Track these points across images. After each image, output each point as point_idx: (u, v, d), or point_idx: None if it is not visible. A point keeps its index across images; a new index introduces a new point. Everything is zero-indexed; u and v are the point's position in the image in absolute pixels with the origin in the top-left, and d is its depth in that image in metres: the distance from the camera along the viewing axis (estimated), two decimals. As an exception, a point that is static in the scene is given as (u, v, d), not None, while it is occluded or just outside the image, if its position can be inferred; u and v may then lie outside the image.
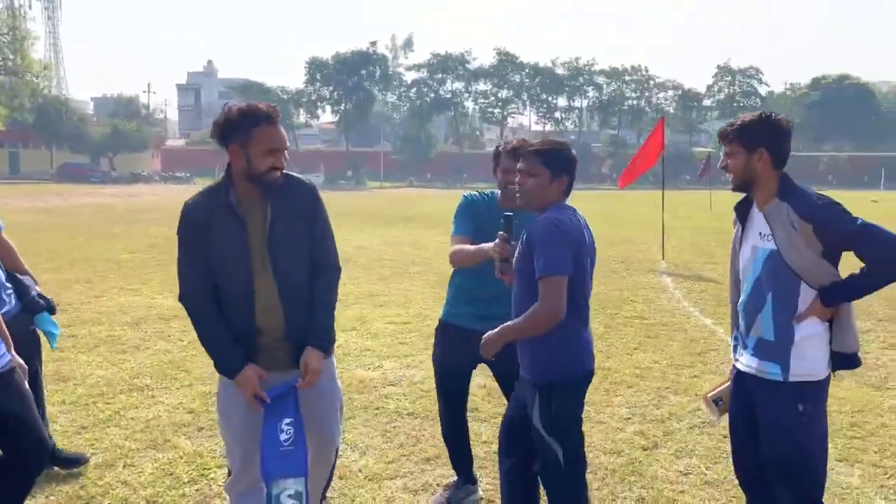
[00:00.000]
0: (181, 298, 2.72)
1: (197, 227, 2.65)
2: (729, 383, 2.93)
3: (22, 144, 64.28)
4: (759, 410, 2.67)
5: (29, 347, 3.50)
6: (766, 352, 2.63)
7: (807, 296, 2.56)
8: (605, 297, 9.32)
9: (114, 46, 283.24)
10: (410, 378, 5.61)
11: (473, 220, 3.34)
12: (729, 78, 78.14)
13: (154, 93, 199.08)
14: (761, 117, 2.64)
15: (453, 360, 3.51)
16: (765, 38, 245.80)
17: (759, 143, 2.59)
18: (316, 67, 75.10)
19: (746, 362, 2.72)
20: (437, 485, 3.79)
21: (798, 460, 2.58)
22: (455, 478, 3.69)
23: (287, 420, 2.62)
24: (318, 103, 77.35)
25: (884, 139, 73.76)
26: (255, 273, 2.63)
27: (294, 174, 2.75)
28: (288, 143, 2.69)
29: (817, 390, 2.60)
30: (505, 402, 3.46)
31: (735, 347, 2.85)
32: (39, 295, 3.72)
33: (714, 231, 19.04)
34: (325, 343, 2.75)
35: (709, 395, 3.02)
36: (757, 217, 2.67)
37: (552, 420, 2.68)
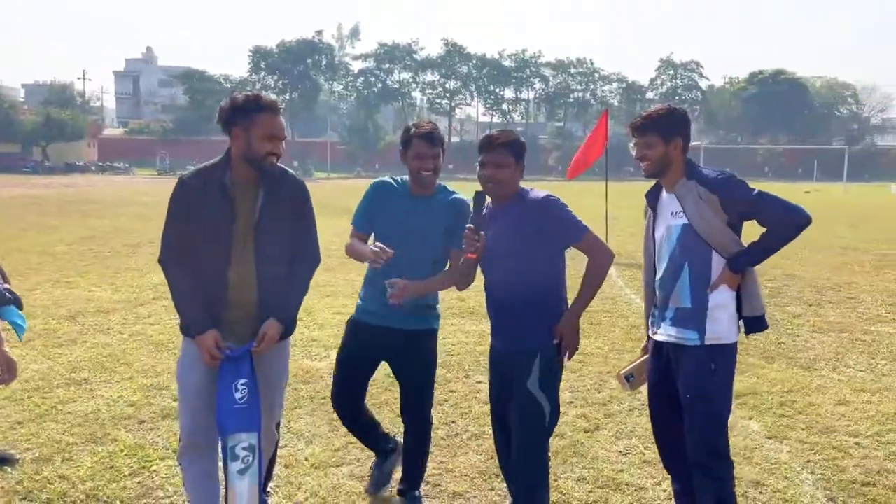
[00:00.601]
0: (160, 261, 2.86)
1: (188, 199, 2.79)
2: (641, 360, 3.16)
3: (-53, 133, 61.25)
4: (679, 373, 2.90)
5: None
6: (684, 320, 2.88)
7: (718, 266, 2.84)
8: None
9: (46, 31, 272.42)
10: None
11: (380, 209, 3.26)
12: (671, 71, 80.00)
13: (90, 80, 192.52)
14: (674, 111, 2.93)
15: (364, 356, 3.42)
16: (705, 33, 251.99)
17: (676, 133, 2.87)
18: (260, 56, 73.91)
19: (665, 332, 2.95)
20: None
21: (706, 409, 2.83)
22: (374, 458, 3.68)
23: (242, 381, 2.81)
24: (263, 92, 76.06)
25: (816, 133, 76.64)
26: (235, 252, 2.78)
27: (289, 169, 2.92)
28: (287, 135, 2.87)
29: (728, 352, 2.88)
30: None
31: (652, 323, 3.06)
32: (7, 289, 3.61)
33: (656, 221, 19.53)
34: (289, 319, 2.91)
35: (621, 371, 3.24)
36: (667, 199, 2.93)
37: (549, 380, 2.94)
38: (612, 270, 11.04)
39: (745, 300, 2.87)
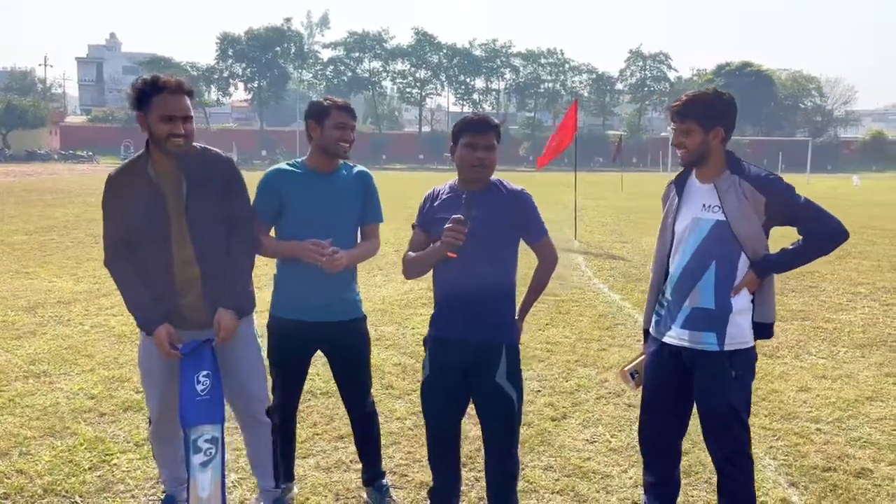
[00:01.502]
0: (106, 264, 2.88)
1: (118, 197, 2.80)
2: (644, 357, 3.02)
3: None
4: (697, 379, 2.78)
5: None
6: (703, 321, 2.73)
7: (743, 268, 2.71)
8: (519, 276, 9.48)
9: (7, 16, 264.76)
10: (323, 358, 5.55)
11: (285, 196, 3.13)
12: (640, 63, 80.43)
13: (51, 66, 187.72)
14: (718, 96, 2.71)
15: (292, 355, 3.29)
16: (673, 25, 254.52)
17: (717, 122, 2.69)
18: (228, 43, 72.59)
19: (677, 334, 2.80)
20: (350, 461, 3.79)
21: (729, 420, 2.74)
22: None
23: (203, 372, 2.79)
24: (231, 80, 74.88)
25: (782, 125, 77.95)
26: (173, 240, 2.78)
27: (211, 148, 2.90)
28: (189, 113, 2.75)
29: (748, 356, 2.77)
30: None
31: (657, 323, 2.91)
32: None
33: (625, 211, 19.70)
34: (237, 303, 2.89)
35: (625, 368, 3.12)
36: (699, 189, 2.77)
37: (516, 369, 2.89)
38: (580, 260, 11.12)
39: (758, 305, 2.76)
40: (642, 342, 3.12)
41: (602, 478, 3.70)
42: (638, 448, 3.18)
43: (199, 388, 2.77)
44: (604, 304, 7.85)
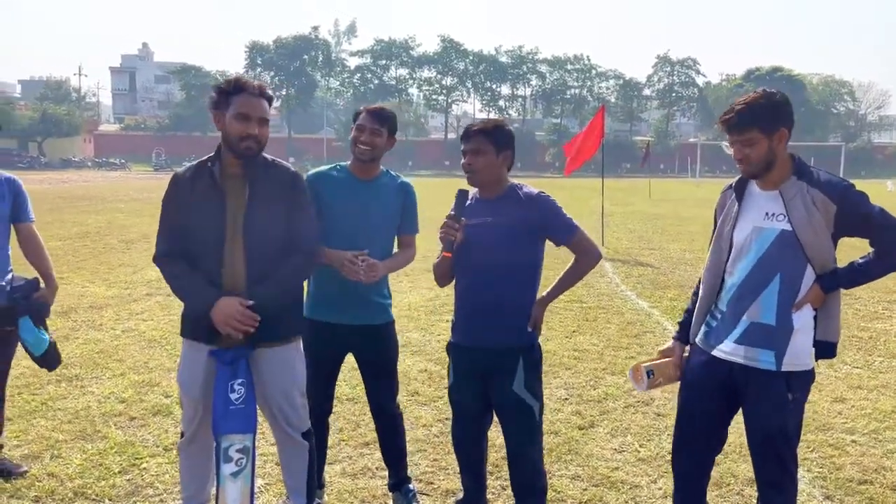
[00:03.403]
0: (155, 259, 2.83)
1: (179, 195, 2.78)
2: (667, 360, 2.86)
3: (-57, 128, 60.90)
4: (748, 400, 2.59)
5: None
6: (761, 338, 2.54)
7: (808, 282, 2.51)
8: (546, 282, 9.42)
9: (43, 27, 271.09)
10: (353, 363, 5.56)
11: (323, 200, 3.11)
12: (668, 68, 79.78)
13: (85, 75, 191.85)
14: (772, 96, 2.47)
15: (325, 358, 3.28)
16: (702, 30, 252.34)
17: (780, 123, 2.45)
18: (257, 52, 73.60)
19: (730, 350, 2.60)
20: (376, 468, 3.78)
21: (780, 445, 2.57)
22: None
23: (239, 380, 2.74)
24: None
25: (813, 130, 76.69)
26: (226, 247, 2.72)
27: (281, 160, 2.87)
28: (266, 116, 2.76)
29: (806, 380, 2.57)
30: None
31: (707, 334, 2.71)
32: (35, 298, 3.56)
33: (653, 217, 19.52)
34: (262, 302, 2.70)
35: (643, 364, 2.92)
36: (762, 197, 2.56)
37: (534, 377, 2.86)
38: (608, 266, 11.02)
39: (821, 322, 2.53)
40: (666, 347, 2.91)
41: (630, 488, 3.64)
42: (667, 458, 3.13)
43: (234, 396, 2.73)
44: (632, 311, 7.77)
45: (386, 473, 3.53)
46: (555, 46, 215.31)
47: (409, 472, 3.52)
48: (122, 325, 6.81)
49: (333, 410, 4.57)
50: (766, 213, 2.53)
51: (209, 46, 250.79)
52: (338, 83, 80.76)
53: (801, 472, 3.81)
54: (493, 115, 79.12)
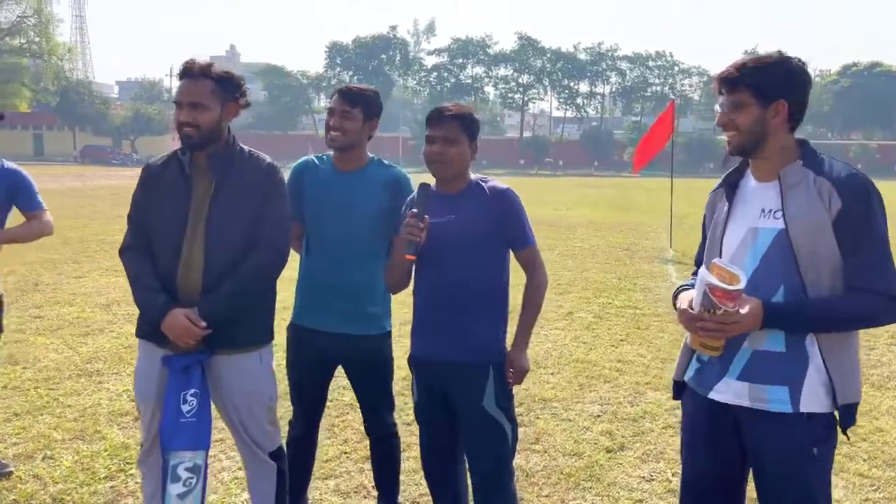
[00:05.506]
0: (120, 252, 2.66)
1: (147, 186, 2.63)
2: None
3: (46, 127, 64.82)
4: (757, 455, 2.02)
5: None
6: (768, 370, 1.97)
7: (822, 293, 1.93)
8: (602, 284, 8.95)
9: (139, 30, 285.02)
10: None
11: (305, 192, 2.87)
12: (756, 64, 76.41)
13: (176, 76, 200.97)
14: (782, 60, 1.97)
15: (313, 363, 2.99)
16: (792, 24, 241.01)
17: (778, 94, 1.95)
18: (336, 52, 74.90)
19: (729, 390, 2.02)
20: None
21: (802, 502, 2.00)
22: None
23: (191, 391, 2.49)
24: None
25: (916, 128, 71.89)
26: (186, 235, 2.52)
27: (258, 153, 2.63)
28: (196, 99, 2.47)
29: (831, 423, 1.97)
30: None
31: (700, 372, 2.12)
32: None
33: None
34: (210, 311, 2.46)
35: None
36: (757, 190, 2.05)
37: (506, 394, 2.54)
38: (671, 270, 10.37)
39: (836, 380, 1.93)
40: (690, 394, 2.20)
41: (654, 525, 3.20)
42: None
43: (185, 408, 2.47)
44: (690, 319, 7.17)
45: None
46: (636, 42, 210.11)
47: (400, 498, 3.20)
48: (158, 320, 6.77)
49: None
50: (763, 210, 2.00)
51: (292, 47, 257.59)
52: (414, 82, 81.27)
53: (860, 517, 3.27)
54: (570, 114, 78.15)
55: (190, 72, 2.48)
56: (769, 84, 1.95)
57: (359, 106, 2.80)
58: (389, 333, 3.02)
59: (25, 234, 3.54)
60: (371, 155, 2.95)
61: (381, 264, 2.82)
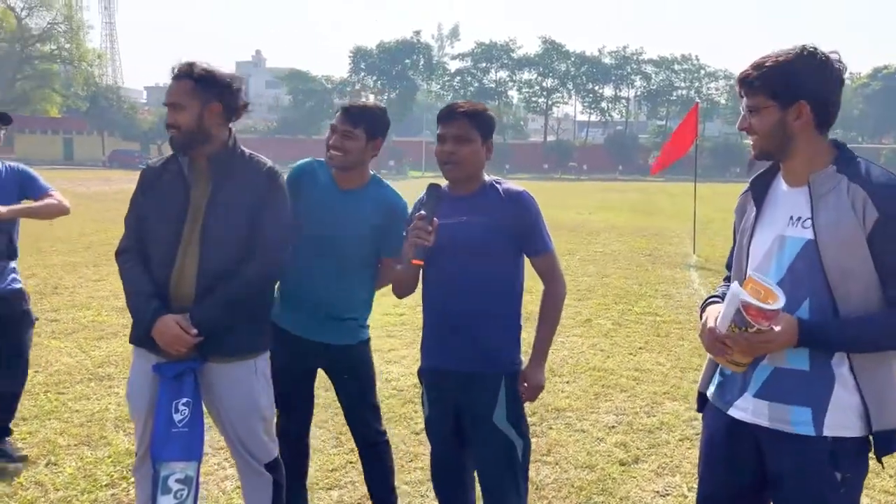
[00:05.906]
0: (116, 254, 2.59)
1: (144, 187, 2.58)
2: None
3: (76, 132, 65.96)
4: (777, 481, 1.89)
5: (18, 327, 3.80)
6: (789, 389, 1.85)
7: (852, 308, 1.80)
8: (622, 290, 8.78)
9: (168, 35, 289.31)
10: (387, 374, 5.21)
11: (301, 199, 2.73)
12: (784, 67, 75.32)
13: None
14: (802, 56, 1.82)
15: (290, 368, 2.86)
16: (821, 26, 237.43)
17: (798, 94, 1.82)
18: (360, 56, 75.19)
19: (749, 407, 1.91)
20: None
21: None
22: None
23: (184, 400, 2.42)
24: (362, 93, 77.42)
25: (950, 131, 70.30)
26: (182, 239, 2.46)
27: (259, 156, 2.60)
28: (175, 100, 2.43)
29: (862, 451, 1.83)
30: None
31: (722, 385, 2.02)
32: None
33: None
34: (201, 317, 2.39)
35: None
36: (787, 196, 1.93)
37: (517, 409, 2.43)
38: (694, 276, 10.16)
39: (872, 405, 1.79)
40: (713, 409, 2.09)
41: (667, 543, 3.07)
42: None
43: (177, 417, 2.41)
44: (712, 327, 7.00)
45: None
46: (661, 46, 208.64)
47: None
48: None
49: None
50: (792, 218, 1.87)
51: (317, 52, 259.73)
52: (438, 87, 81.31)
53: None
54: (594, 118, 77.69)
55: (174, 72, 2.44)
56: (787, 84, 1.82)
57: (361, 126, 2.71)
58: (368, 341, 2.95)
59: (41, 210, 3.67)
60: (372, 172, 2.88)
61: (365, 275, 2.76)
